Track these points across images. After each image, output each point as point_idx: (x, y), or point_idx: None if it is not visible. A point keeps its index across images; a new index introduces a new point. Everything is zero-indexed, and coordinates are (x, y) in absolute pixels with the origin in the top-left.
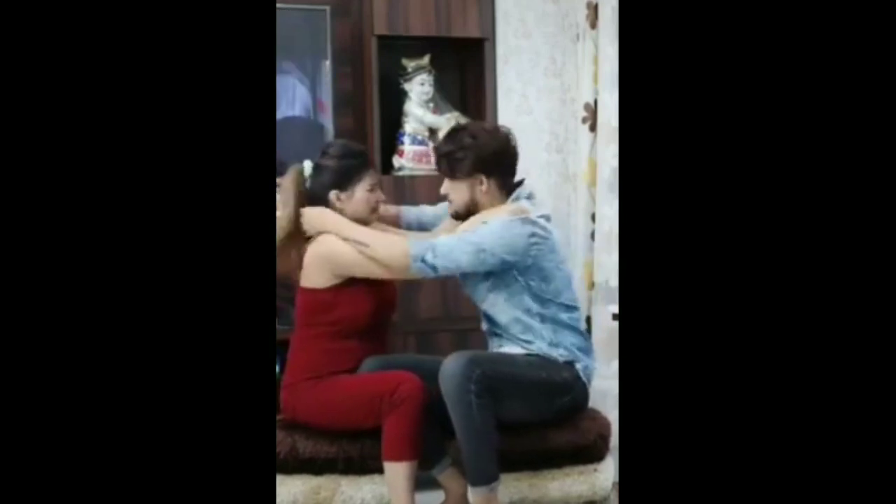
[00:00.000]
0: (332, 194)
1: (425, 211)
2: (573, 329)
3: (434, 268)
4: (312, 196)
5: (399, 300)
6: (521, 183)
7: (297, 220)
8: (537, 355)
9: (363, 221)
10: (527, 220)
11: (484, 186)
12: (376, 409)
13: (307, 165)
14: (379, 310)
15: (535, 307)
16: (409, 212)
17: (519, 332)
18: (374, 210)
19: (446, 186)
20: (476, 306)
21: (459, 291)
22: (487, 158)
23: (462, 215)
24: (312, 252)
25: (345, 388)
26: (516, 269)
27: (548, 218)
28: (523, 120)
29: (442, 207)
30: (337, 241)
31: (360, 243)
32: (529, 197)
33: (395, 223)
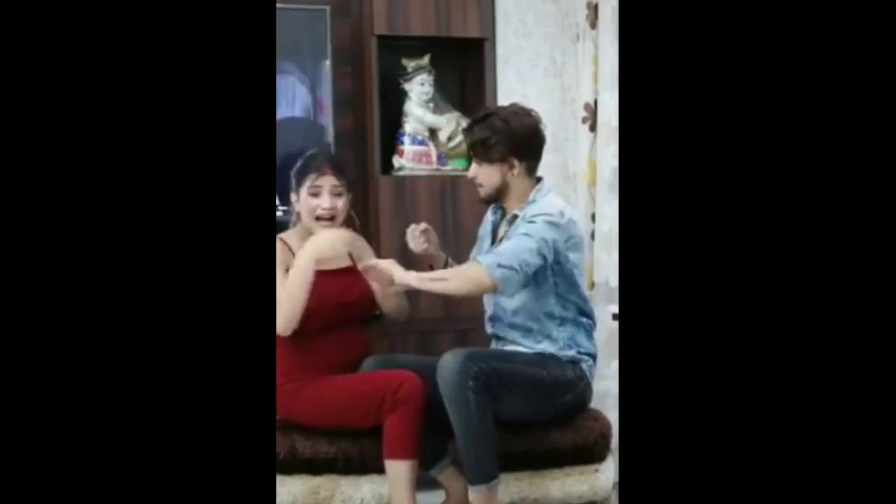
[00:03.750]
0: (293, 196)
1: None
2: (587, 332)
3: (513, 268)
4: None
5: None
6: (540, 178)
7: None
8: (542, 354)
9: (311, 228)
10: (568, 224)
11: (516, 170)
12: (377, 407)
13: None
14: (343, 303)
15: (557, 310)
16: None
17: (535, 334)
18: (318, 218)
19: (475, 171)
20: (479, 307)
21: None
22: (520, 141)
23: (493, 199)
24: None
25: (345, 386)
26: (551, 270)
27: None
28: None
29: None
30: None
31: (440, 279)
32: (550, 192)
33: None
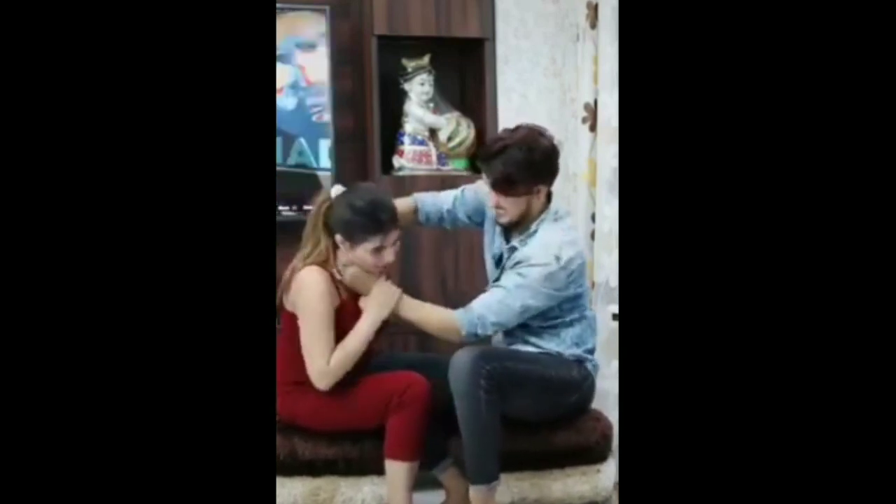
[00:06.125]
0: (339, 237)
1: (441, 205)
2: (591, 327)
3: (485, 333)
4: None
5: None
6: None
7: (322, 249)
8: (549, 353)
9: (362, 268)
10: (566, 265)
11: (541, 194)
12: (383, 407)
13: (336, 189)
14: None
15: (566, 317)
16: (425, 203)
17: (544, 335)
18: (375, 271)
19: (497, 199)
20: None
21: (461, 291)
22: (542, 169)
23: (514, 224)
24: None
25: (351, 389)
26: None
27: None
28: (523, 120)
29: (456, 198)
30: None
31: (421, 310)
32: (566, 215)
33: (411, 217)
